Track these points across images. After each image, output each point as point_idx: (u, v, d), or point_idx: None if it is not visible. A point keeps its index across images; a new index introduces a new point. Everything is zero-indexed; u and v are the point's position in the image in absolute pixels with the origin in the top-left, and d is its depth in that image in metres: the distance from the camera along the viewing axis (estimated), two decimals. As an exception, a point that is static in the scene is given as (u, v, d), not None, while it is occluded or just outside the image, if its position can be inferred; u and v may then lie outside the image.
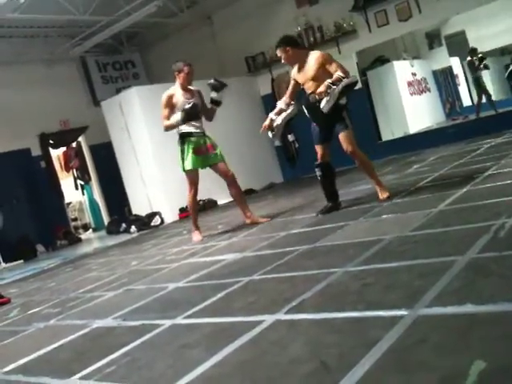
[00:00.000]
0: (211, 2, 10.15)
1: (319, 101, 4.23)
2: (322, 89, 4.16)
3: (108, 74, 11.33)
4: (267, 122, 4.72)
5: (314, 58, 4.41)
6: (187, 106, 4.98)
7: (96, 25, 9.57)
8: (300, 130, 9.87)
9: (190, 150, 5.10)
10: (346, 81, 4.16)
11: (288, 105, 4.68)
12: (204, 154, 5.16)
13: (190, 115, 5.00)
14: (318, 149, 4.62)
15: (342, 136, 4.45)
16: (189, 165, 5.11)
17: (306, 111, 4.55)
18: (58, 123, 10.25)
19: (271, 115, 4.72)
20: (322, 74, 4.31)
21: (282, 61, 4.60)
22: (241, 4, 9.82)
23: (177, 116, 5.03)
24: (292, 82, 4.64)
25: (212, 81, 5.14)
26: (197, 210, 5.39)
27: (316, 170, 4.66)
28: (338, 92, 4.15)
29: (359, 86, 8.36)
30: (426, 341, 1.57)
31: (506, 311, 1.62)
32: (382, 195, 4.45)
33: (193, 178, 5.19)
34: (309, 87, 4.47)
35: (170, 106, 5.09)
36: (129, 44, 11.50)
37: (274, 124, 4.66)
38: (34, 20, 8.89)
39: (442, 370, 1.37)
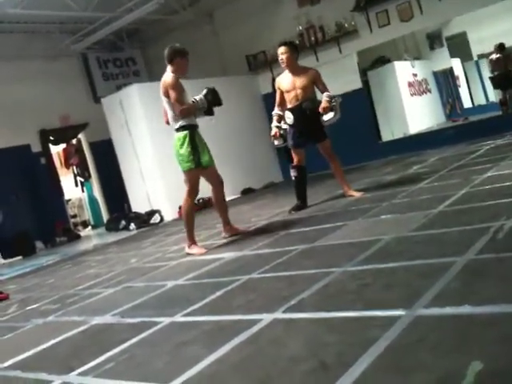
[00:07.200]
0: (213, 0, 10.15)
1: (311, 109, 4.91)
2: (325, 104, 4.84)
3: (109, 71, 11.33)
4: (275, 131, 5.23)
5: (311, 72, 5.04)
6: (211, 86, 4.37)
7: (97, 21, 9.56)
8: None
9: (205, 143, 4.33)
10: (338, 100, 4.90)
11: (282, 111, 5.19)
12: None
13: (214, 98, 4.34)
14: (296, 152, 5.19)
15: (324, 144, 5.11)
16: (208, 159, 4.29)
17: (290, 116, 5.03)
18: (58, 119, 10.24)
19: (275, 124, 5.22)
20: (310, 86, 5.01)
21: (281, 59, 5.00)
22: (242, 2, 9.80)
23: (199, 96, 4.29)
24: (279, 92, 5.18)
25: (212, 87, 4.44)
26: (194, 219, 4.35)
27: (291, 170, 5.23)
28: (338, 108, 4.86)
29: (359, 86, 8.60)
30: (424, 341, 1.57)
31: (503, 312, 1.62)
32: (349, 191, 5.10)
33: (197, 178, 4.33)
34: (297, 94, 5.01)
35: (182, 90, 4.24)
36: (130, 41, 11.49)
37: (282, 131, 5.21)
38: (35, 16, 8.88)
39: (439, 371, 1.38)
